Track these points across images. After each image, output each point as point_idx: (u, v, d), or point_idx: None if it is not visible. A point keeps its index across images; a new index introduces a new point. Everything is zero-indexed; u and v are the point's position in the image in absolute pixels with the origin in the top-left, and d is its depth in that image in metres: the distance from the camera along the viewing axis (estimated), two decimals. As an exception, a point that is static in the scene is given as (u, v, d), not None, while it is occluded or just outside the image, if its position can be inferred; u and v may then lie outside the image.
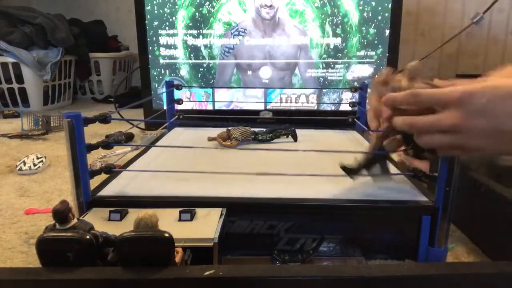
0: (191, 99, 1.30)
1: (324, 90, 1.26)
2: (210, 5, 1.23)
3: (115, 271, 0.34)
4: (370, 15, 1.20)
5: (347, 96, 1.25)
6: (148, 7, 1.23)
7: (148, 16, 1.24)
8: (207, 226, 0.43)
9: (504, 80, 0.37)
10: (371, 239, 0.50)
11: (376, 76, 0.46)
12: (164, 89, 0.96)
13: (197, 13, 1.23)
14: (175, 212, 0.45)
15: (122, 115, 1.29)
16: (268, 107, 1.28)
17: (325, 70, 1.25)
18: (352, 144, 0.81)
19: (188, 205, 0.47)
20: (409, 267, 0.37)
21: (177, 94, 1.10)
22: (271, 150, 0.72)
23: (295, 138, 0.74)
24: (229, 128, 0.76)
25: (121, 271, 0.34)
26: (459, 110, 0.37)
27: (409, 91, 0.41)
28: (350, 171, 0.53)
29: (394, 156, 0.76)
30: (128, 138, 1.18)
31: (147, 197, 0.51)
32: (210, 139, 0.76)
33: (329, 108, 1.28)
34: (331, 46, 1.23)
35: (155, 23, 1.24)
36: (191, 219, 0.44)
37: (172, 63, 1.27)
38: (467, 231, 0.58)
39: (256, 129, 0.78)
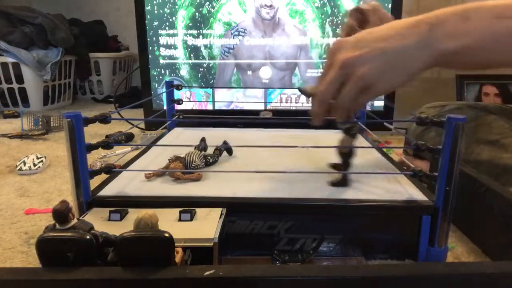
0: (191, 99, 1.30)
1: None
2: (210, 5, 1.23)
3: (115, 271, 0.34)
4: (370, 15, 1.20)
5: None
6: (148, 7, 1.23)
7: (148, 16, 1.24)
8: (207, 226, 0.43)
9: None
10: (371, 239, 0.50)
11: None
12: (164, 89, 0.96)
13: (197, 13, 1.23)
14: (175, 212, 0.45)
15: (122, 115, 1.29)
16: (268, 107, 1.28)
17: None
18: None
19: (188, 205, 0.47)
20: (409, 267, 0.37)
21: (177, 94, 1.10)
22: (271, 148, 0.72)
23: (230, 153, 0.70)
24: (176, 157, 0.60)
25: (121, 271, 0.34)
26: (339, 52, 0.42)
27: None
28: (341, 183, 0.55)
29: (394, 156, 0.76)
30: (128, 138, 1.18)
31: (147, 197, 0.51)
32: (149, 176, 0.57)
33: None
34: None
35: (155, 23, 1.24)
36: (191, 219, 0.44)
37: (172, 63, 1.27)
38: (467, 231, 0.58)
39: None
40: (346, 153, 0.55)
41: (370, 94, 0.43)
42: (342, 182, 0.54)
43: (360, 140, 0.84)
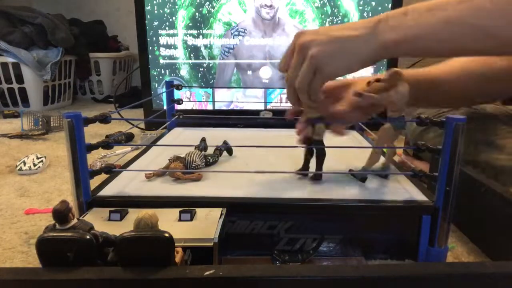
0: (191, 99, 1.30)
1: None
2: (210, 5, 1.23)
3: (115, 271, 0.34)
4: (370, 15, 1.20)
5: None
6: (148, 7, 1.23)
7: (148, 16, 1.24)
8: (207, 226, 0.43)
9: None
10: (371, 239, 0.50)
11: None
12: (164, 89, 0.96)
13: (197, 13, 1.23)
14: (175, 212, 0.45)
15: (122, 115, 1.29)
16: (268, 107, 1.28)
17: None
18: (352, 144, 0.81)
19: (188, 205, 0.47)
20: (409, 267, 0.37)
21: (177, 94, 1.10)
22: (271, 148, 0.72)
23: (230, 153, 0.70)
24: (176, 157, 0.60)
25: (121, 271, 0.34)
26: (301, 36, 0.48)
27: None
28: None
29: (394, 156, 0.76)
30: (128, 138, 1.18)
31: (147, 197, 0.51)
32: (149, 176, 0.57)
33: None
34: (331, 46, 1.23)
35: (155, 23, 1.24)
36: (191, 219, 0.44)
37: (172, 63, 1.27)
38: (467, 231, 0.58)
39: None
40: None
41: (321, 75, 0.48)
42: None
43: (360, 140, 0.84)
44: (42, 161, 0.90)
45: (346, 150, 0.72)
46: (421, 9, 0.45)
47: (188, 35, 1.25)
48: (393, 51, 0.46)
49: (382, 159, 0.59)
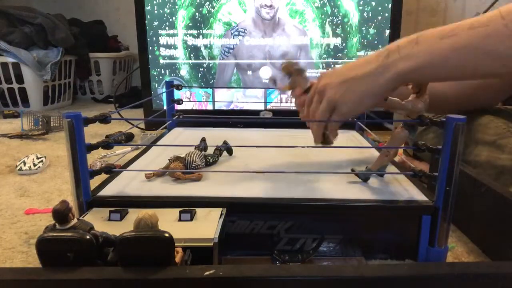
0: (191, 99, 1.30)
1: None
2: (210, 5, 1.23)
3: (115, 271, 0.34)
4: (370, 15, 1.20)
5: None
6: (148, 7, 1.23)
7: (148, 16, 1.24)
8: (207, 226, 0.43)
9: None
10: (371, 239, 0.50)
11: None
12: (164, 89, 0.96)
13: (197, 13, 1.23)
14: (175, 212, 0.45)
15: (122, 115, 1.29)
16: (268, 107, 1.28)
17: (325, 70, 1.25)
18: (352, 144, 0.81)
19: (188, 205, 0.47)
20: (409, 267, 0.37)
21: (177, 94, 1.10)
22: (270, 148, 0.72)
23: (230, 153, 0.68)
24: (176, 157, 0.60)
25: (121, 271, 0.34)
26: (319, 80, 0.53)
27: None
28: None
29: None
30: (128, 138, 1.18)
31: (147, 197, 0.51)
32: (149, 176, 0.57)
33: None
34: (331, 46, 1.23)
35: (155, 23, 1.24)
36: (191, 219, 0.44)
37: (172, 63, 1.27)
38: (467, 231, 0.58)
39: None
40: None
41: (337, 114, 0.51)
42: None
43: (360, 140, 0.84)
44: (42, 161, 0.90)
45: (346, 150, 0.72)
46: (432, 38, 0.46)
47: (188, 35, 1.25)
48: (406, 79, 0.47)
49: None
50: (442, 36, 0.45)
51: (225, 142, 0.68)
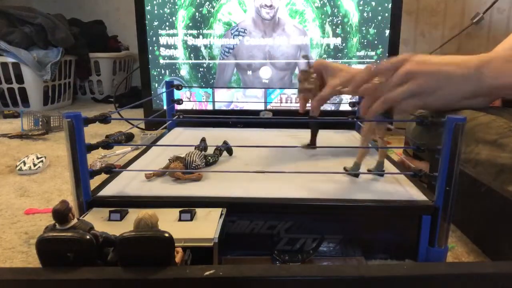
0: (191, 99, 1.30)
1: (324, 90, 1.26)
2: (210, 5, 1.23)
3: (115, 271, 0.34)
4: (370, 15, 1.20)
5: (347, 96, 1.25)
6: (148, 7, 1.23)
7: (148, 16, 1.24)
8: (207, 226, 0.43)
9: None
10: (371, 239, 0.50)
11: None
12: (164, 89, 0.96)
13: (197, 13, 1.23)
14: (175, 212, 0.45)
15: (122, 115, 1.29)
16: (268, 107, 1.28)
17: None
18: (352, 144, 0.81)
19: (188, 205, 0.47)
20: (409, 267, 0.37)
21: (177, 94, 1.10)
22: (271, 148, 0.72)
23: (230, 153, 0.68)
24: (176, 157, 0.60)
25: (121, 271, 0.34)
26: (409, 62, 0.51)
27: (365, 68, 0.54)
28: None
29: (394, 156, 0.76)
30: (128, 138, 1.18)
31: (147, 197, 0.51)
32: (149, 176, 0.57)
33: (329, 108, 1.28)
34: (331, 46, 1.23)
35: (155, 23, 1.24)
36: (191, 219, 0.44)
37: (172, 63, 1.27)
38: (467, 231, 0.58)
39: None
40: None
41: (421, 100, 0.52)
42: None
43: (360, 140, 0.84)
44: (42, 161, 0.90)
45: (346, 150, 0.72)
46: None
47: (188, 35, 1.25)
48: (495, 94, 0.51)
49: (373, 158, 0.60)
50: None
51: (225, 142, 0.68)
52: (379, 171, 0.58)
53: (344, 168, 0.60)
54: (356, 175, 0.57)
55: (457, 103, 0.54)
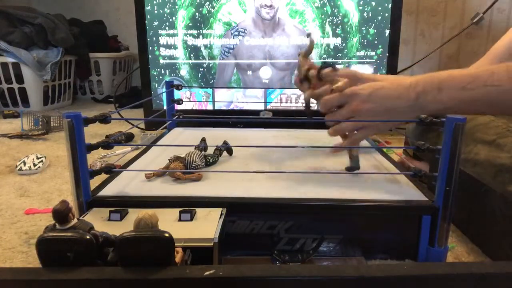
0: (191, 99, 1.30)
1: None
2: (210, 5, 1.23)
3: (115, 271, 0.34)
4: (370, 15, 1.20)
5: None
6: (148, 7, 1.23)
7: (148, 16, 1.24)
8: (207, 226, 0.43)
9: (379, 82, 0.60)
10: (371, 239, 0.50)
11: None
12: (164, 89, 0.96)
13: (197, 13, 1.23)
14: (175, 212, 0.45)
15: (122, 115, 1.29)
16: (268, 107, 1.28)
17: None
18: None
19: (188, 205, 0.47)
20: (409, 267, 0.37)
21: (177, 94, 1.10)
22: (270, 148, 0.72)
23: (230, 153, 0.69)
24: (176, 157, 0.60)
25: (121, 271, 0.34)
26: (354, 100, 0.58)
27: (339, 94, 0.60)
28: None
29: (394, 156, 0.76)
30: (128, 138, 1.18)
31: (147, 197, 0.51)
32: (149, 176, 0.57)
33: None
34: (331, 46, 1.23)
35: (155, 23, 1.24)
36: (191, 219, 0.44)
37: (172, 63, 1.27)
38: (467, 231, 0.58)
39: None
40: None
41: (368, 131, 0.61)
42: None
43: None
44: (42, 161, 0.90)
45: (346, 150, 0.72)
46: (454, 87, 0.54)
47: (188, 35, 1.25)
48: (434, 115, 0.55)
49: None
50: (462, 88, 0.54)
51: (225, 142, 0.68)
52: (355, 165, 0.60)
53: (346, 168, 0.60)
54: (358, 167, 0.60)
55: (405, 124, 0.62)
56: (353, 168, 0.60)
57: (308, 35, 0.66)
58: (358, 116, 0.58)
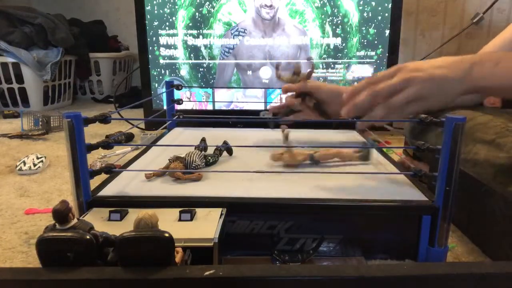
0: (191, 99, 1.30)
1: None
2: (210, 5, 1.23)
3: (115, 271, 0.34)
4: (370, 15, 1.20)
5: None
6: (148, 7, 1.23)
7: (148, 16, 1.24)
8: (207, 226, 0.43)
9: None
10: (371, 239, 0.50)
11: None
12: (164, 89, 0.96)
13: (197, 13, 1.23)
14: (175, 212, 0.45)
15: (122, 115, 1.29)
16: (268, 107, 1.28)
17: (325, 70, 1.25)
18: (351, 144, 0.81)
19: (188, 205, 0.47)
20: (409, 267, 0.37)
21: (177, 94, 1.10)
22: (271, 148, 0.72)
23: (230, 153, 0.69)
24: (176, 157, 0.60)
25: (121, 271, 0.34)
26: (403, 71, 0.56)
27: (365, 80, 0.60)
28: None
29: (394, 156, 0.76)
30: (128, 138, 1.18)
31: (147, 197, 0.51)
32: (149, 176, 0.57)
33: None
34: (331, 46, 1.23)
35: (155, 23, 1.24)
36: (191, 219, 0.44)
37: (172, 63, 1.27)
38: (467, 231, 0.58)
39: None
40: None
41: (422, 106, 0.56)
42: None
43: (360, 140, 0.84)
44: (42, 161, 0.90)
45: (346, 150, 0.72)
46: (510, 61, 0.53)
47: (188, 35, 1.25)
48: (486, 92, 0.56)
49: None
50: None
51: (225, 142, 0.68)
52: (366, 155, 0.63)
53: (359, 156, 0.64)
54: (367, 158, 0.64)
55: (452, 102, 0.58)
56: (364, 156, 0.62)
57: (309, 58, 0.67)
58: (411, 87, 0.55)
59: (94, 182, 0.51)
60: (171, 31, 1.25)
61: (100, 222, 0.44)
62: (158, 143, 0.82)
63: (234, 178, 0.56)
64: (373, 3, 1.19)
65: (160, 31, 1.25)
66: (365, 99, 0.58)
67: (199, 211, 0.46)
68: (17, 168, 0.88)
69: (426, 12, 1.81)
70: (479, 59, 0.53)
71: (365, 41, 1.22)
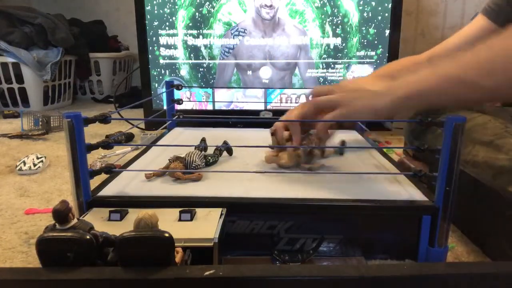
0: (191, 99, 1.30)
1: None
2: (210, 5, 1.23)
3: (115, 271, 0.34)
4: (370, 15, 1.20)
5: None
6: (148, 7, 1.23)
7: (148, 16, 1.24)
8: (207, 226, 0.43)
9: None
10: (371, 239, 0.50)
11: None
12: (164, 89, 0.96)
13: (197, 13, 1.23)
14: (175, 212, 0.45)
15: (122, 115, 1.29)
16: (268, 107, 1.28)
17: (325, 70, 1.25)
18: (351, 144, 0.81)
19: (188, 205, 0.47)
20: (409, 267, 0.37)
21: (177, 94, 1.10)
22: (270, 147, 0.72)
23: (230, 153, 0.68)
24: (176, 157, 0.60)
25: (121, 271, 0.34)
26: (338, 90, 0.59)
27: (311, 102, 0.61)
28: None
29: (394, 157, 0.76)
30: (128, 138, 1.18)
31: (147, 197, 0.51)
32: (149, 176, 0.57)
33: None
34: (331, 46, 1.23)
35: (155, 23, 1.24)
36: (191, 219, 0.44)
37: (172, 63, 1.27)
38: (467, 231, 0.58)
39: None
40: None
41: (335, 114, 0.56)
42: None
43: (360, 140, 0.84)
44: (42, 161, 0.90)
45: (346, 150, 0.72)
46: (428, 70, 0.53)
47: (188, 35, 1.25)
48: (406, 104, 0.54)
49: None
50: (430, 64, 0.53)
51: (225, 142, 0.68)
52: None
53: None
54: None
55: (377, 118, 0.58)
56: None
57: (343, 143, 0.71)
58: (335, 106, 0.56)
59: (94, 182, 0.51)
60: (171, 31, 1.25)
61: (100, 222, 0.44)
62: (158, 143, 0.82)
63: (234, 178, 0.56)
64: (373, 3, 1.19)
65: (160, 31, 1.25)
66: (307, 110, 0.60)
67: (199, 211, 0.46)
68: (17, 168, 0.88)
69: (426, 12, 1.81)
70: (397, 73, 0.55)
71: (365, 41, 1.22)
